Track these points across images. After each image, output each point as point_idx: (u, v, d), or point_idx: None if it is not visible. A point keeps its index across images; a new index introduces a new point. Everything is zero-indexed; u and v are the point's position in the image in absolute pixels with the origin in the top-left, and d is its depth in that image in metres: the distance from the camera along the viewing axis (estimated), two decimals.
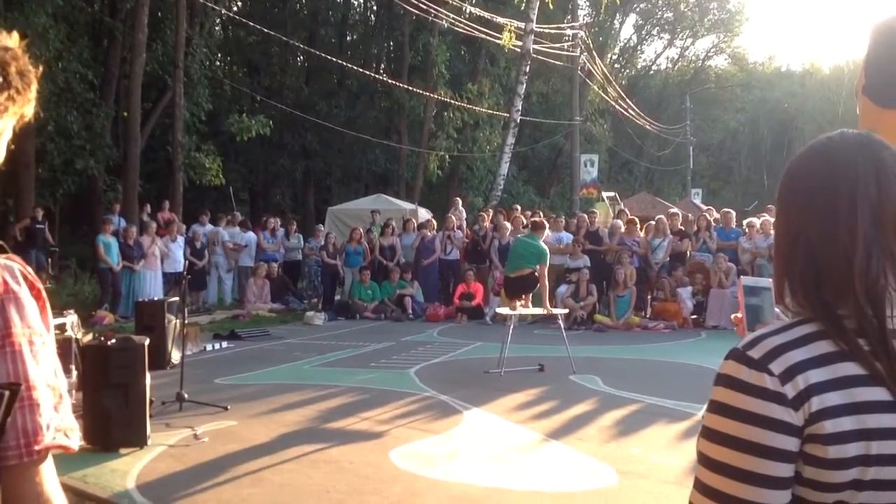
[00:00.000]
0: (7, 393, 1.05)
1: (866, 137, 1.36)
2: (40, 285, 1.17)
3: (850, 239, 1.27)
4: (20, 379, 1.07)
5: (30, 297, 1.14)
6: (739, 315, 1.67)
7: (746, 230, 15.06)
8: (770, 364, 1.23)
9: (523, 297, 10.54)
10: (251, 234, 17.79)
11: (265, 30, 24.23)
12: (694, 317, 14.65)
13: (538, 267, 10.16)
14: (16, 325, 1.10)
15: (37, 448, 1.08)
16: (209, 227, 17.47)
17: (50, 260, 15.17)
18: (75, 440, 1.15)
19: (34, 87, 1.24)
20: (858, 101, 2.45)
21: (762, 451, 1.21)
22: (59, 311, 9.24)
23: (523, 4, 25.91)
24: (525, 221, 15.08)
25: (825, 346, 1.24)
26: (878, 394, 1.21)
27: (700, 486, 1.28)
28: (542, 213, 18.29)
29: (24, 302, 1.12)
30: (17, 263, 1.15)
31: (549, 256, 10.47)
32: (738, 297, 1.70)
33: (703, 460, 1.28)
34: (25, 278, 1.15)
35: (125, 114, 21.05)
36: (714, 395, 1.28)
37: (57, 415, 1.12)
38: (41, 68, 1.28)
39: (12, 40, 1.22)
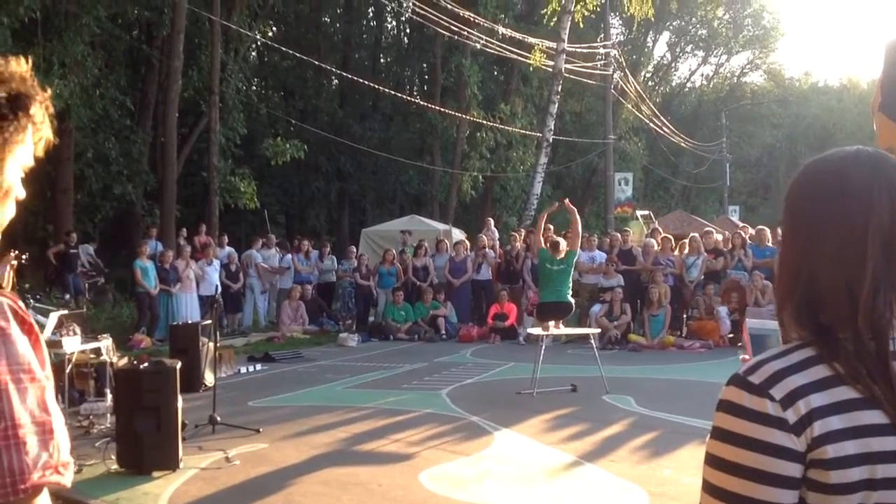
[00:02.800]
0: None
1: (882, 159, 1.30)
2: (32, 320, 1.17)
3: (858, 272, 1.22)
4: (4, 418, 1.07)
5: (20, 333, 1.13)
6: (747, 357, 1.66)
7: None
8: (771, 389, 1.21)
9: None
10: (288, 257, 17.93)
11: (299, 55, 24.46)
12: (731, 335, 14.46)
13: (569, 287, 10.15)
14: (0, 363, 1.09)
15: (23, 487, 1.07)
16: (228, 249, 17.58)
17: (87, 284, 15.35)
18: (69, 476, 1.14)
19: (47, 115, 1.25)
20: (875, 118, 2.42)
21: (765, 477, 1.19)
22: (96, 335, 9.39)
23: (552, 22, 25.94)
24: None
25: (824, 370, 1.22)
26: (878, 417, 1.19)
27: None
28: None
29: (12, 338, 1.12)
30: (6, 298, 1.15)
31: (575, 256, 10.45)
32: (745, 340, 1.69)
33: (707, 487, 1.26)
34: (15, 314, 1.15)
35: (162, 139, 21.37)
36: (716, 421, 1.26)
37: (46, 451, 1.11)
38: (48, 92, 1.28)
39: (23, 67, 1.22)
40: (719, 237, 16.36)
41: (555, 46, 25.33)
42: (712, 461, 1.25)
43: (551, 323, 10.36)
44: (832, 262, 1.25)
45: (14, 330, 1.13)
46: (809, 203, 1.30)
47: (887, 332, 1.22)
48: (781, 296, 1.32)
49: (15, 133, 1.21)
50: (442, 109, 27.30)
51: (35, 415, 1.11)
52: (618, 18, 41.72)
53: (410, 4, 25.43)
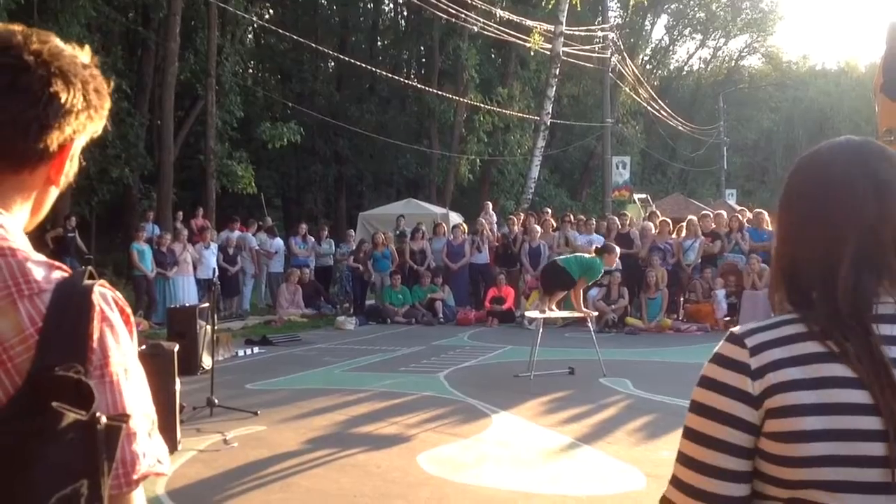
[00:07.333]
0: (124, 425, 1.05)
1: (866, 147, 1.33)
2: (129, 310, 1.16)
3: (838, 257, 1.26)
4: (118, 409, 1.07)
5: (121, 323, 1.13)
6: None
7: None
8: (753, 357, 1.25)
9: (553, 296, 10.48)
10: (279, 241, 17.92)
11: (296, 37, 24.35)
12: (727, 318, 14.47)
13: (577, 279, 10.10)
14: (113, 355, 1.09)
15: (135, 477, 1.08)
16: (237, 233, 17.58)
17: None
18: (167, 465, 1.15)
19: (107, 103, 1.23)
20: (877, 99, 2.43)
21: (716, 415, 1.30)
22: None
23: (550, 5, 25.85)
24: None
25: (812, 346, 1.23)
26: (858, 397, 1.19)
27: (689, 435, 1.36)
28: (573, 216, 18.24)
29: (118, 329, 1.12)
30: (108, 290, 1.14)
31: (595, 276, 10.39)
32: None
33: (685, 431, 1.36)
34: (116, 304, 1.14)
35: (158, 122, 21.27)
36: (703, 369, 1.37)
37: (150, 441, 1.12)
38: (112, 83, 1.27)
39: (86, 54, 1.20)
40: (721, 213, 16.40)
41: (553, 29, 25.25)
42: (690, 404, 1.35)
43: (548, 306, 10.37)
44: (813, 246, 1.29)
45: (118, 321, 1.13)
46: (796, 193, 1.35)
47: (867, 317, 1.22)
48: (772, 280, 1.39)
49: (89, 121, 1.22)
50: (439, 93, 27.22)
51: (143, 405, 1.12)
52: (616, 1, 41.61)
53: None
